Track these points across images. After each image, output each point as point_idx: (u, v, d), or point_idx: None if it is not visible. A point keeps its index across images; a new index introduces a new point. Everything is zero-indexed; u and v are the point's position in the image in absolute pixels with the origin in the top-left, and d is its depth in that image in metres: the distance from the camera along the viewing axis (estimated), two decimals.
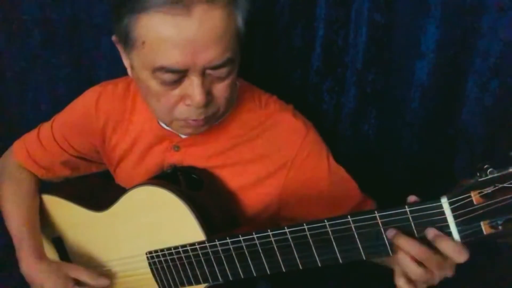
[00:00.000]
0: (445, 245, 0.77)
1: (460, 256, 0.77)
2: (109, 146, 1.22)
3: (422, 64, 1.29)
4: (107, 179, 1.32)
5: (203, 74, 0.92)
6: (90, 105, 1.19)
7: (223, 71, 0.93)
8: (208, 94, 0.96)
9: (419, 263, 0.79)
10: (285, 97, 1.19)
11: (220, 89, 0.97)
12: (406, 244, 0.79)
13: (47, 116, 1.29)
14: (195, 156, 1.13)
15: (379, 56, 1.32)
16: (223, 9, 0.88)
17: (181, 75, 0.92)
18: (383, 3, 1.27)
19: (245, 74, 1.16)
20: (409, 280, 0.82)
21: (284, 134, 1.10)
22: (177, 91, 0.95)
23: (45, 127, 1.28)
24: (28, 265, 1.15)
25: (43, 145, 1.26)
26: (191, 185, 1.11)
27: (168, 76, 0.92)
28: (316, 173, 1.11)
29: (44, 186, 1.31)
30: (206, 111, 0.98)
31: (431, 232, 0.78)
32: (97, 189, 1.31)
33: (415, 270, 0.80)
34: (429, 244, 0.79)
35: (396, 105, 1.36)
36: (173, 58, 0.89)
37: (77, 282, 1.15)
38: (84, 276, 1.14)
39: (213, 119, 1.04)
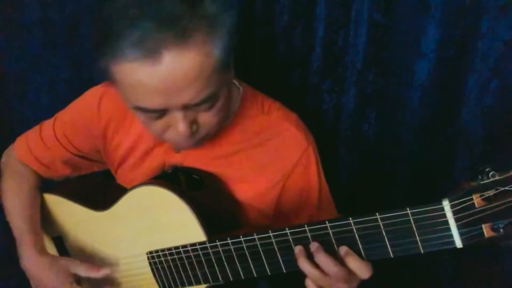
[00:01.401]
0: (352, 263, 0.85)
1: (364, 273, 0.86)
2: (111, 146, 1.22)
3: (422, 64, 1.29)
4: (108, 178, 1.32)
5: (185, 108, 0.91)
6: (92, 105, 1.19)
7: (205, 105, 0.93)
8: (194, 123, 0.96)
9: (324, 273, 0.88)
10: (285, 97, 1.19)
11: (206, 118, 0.96)
12: (323, 260, 0.87)
13: (47, 116, 1.29)
14: (196, 158, 1.13)
15: (379, 56, 1.32)
16: (197, 50, 0.84)
17: (161, 112, 0.92)
18: (383, 3, 1.27)
19: (245, 74, 1.16)
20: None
21: (286, 145, 1.11)
22: (162, 121, 0.95)
23: (47, 125, 1.28)
24: (29, 259, 1.15)
25: (44, 143, 1.26)
26: (192, 185, 1.11)
27: (148, 114, 0.93)
28: (308, 185, 1.14)
29: (46, 185, 1.31)
30: (194, 137, 0.99)
31: (342, 250, 0.86)
32: (98, 189, 1.31)
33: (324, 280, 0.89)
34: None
35: (396, 105, 1.36)
36: (148, 102, 0.89)
37: (77, 278, 1.15)
38: (82, 270, 1.14)
39: (206, 138, 1.04)
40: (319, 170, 1.15)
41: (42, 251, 1.16)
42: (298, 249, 0.90)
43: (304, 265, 0.89)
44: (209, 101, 0.92)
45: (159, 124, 0.96)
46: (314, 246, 0.88)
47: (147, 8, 0.81)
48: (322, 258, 0.87)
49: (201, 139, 1.01)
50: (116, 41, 0.82)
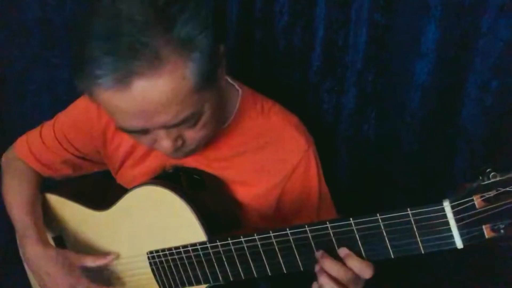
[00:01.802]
0: (353, 264, 0.86)
1: (366, 273, 0.86)
2: (111, 147, 1.22)
3: (422, 64, 1.28)
4: (109, 178, 1.32)
5: (165, 127, 0.92)
6: (92, 106, 1.17)
7: (186, 124, 0.93)
8: (179, 138, 0.96)
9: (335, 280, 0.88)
10: (285, 97, 1.19)
11: (191, 134, 0.96)
12: (328, 265, 0.87)
13: (47, 116, 1.29)
14: (197, 160, 1.13)
15: (379, 56, 1.32)
16: (169, 75, 0.83)
17: (144, 131, 0.93)
18: (383, 3, 1.27)
19: (245, 74, 1.16)
20: None
21: (286, 147, 1.12)
22: (148, 137, 0.96)
23: (47, 126, 1.28)
24: (34, 252, 1.15)
25: (45, 143, 1.26)
26: (192, 185, 1.11)
27: (132, 133, 0.95)
28: (308, 187, 1.15)
29: (47, 185, 1.31)
30: (182, 150, 0.99)
31: (342, 252, 0.87)
32: (99, 189, 1.31)
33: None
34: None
35: (396, 105, 1.36)
36: (128, 123, 0.90)
37: (83, 271, 1.15)
38: (90, 261, 1.15)
39: (199, 147, 1.04)
40: (319, 172, 1.15)
41: (47, 244, 1.17)
42: (318, 268, 0.90)
43: (323, 279, 0.89)
44: (189, 120, 0.92)
45: (145, 139, 0.97)
46: (319, 254, 0.89)
47: (117, 37, 0.80)
48: (328, 264, 0.87)
49: (192, 150, 1.02)
50: (89, 69, 0.83)
